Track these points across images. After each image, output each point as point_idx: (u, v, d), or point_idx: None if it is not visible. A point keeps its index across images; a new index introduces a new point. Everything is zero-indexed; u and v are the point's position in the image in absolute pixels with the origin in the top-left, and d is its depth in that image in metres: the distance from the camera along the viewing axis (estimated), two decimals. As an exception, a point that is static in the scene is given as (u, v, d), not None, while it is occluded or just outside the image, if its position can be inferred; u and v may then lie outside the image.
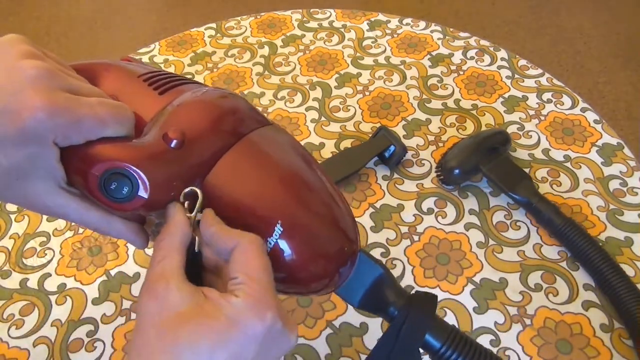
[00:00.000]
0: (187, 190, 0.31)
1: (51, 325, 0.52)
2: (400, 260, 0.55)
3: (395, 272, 0.54)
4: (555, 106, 0.69)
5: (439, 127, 0.68)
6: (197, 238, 0.31)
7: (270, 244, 0.31)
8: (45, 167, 0.29)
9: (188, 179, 0.32)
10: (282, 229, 0.31)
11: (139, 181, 0.29)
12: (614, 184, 0.60)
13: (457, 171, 0.58)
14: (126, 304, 0.53)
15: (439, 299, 0.51)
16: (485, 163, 0.58)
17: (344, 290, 0.36)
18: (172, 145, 0.31)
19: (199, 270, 0.31)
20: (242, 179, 0.33)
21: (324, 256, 0.33)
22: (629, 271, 0.52)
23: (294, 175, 0.34)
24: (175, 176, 0.31)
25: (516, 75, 0.74)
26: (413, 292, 0.52)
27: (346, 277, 0.35)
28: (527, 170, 0.61)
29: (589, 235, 0.52)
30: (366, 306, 0.37)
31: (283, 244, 0.31)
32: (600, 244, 0.54)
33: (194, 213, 0.31)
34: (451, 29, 0.82)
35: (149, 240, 0.34)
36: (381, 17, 0.85)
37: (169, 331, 0.26)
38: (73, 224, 0.60)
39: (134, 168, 0.29)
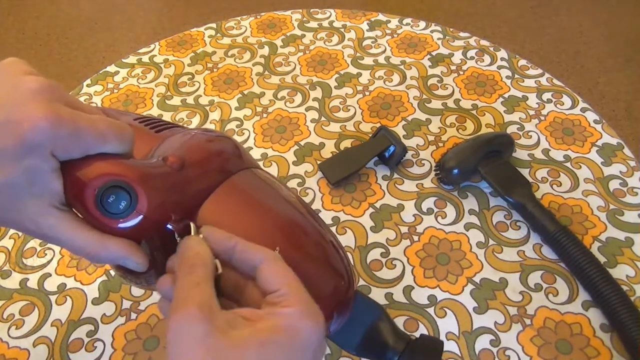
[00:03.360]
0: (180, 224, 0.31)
1: (51, 325, 0.52)
2: (400, 261, 0.55)
3: (395, 272, 0.54)
4: (555, 106, 0.69)
5: (439, 127, 0.68)
6: (217, 261, 0.29)
7: None
8: (41, 181, 0.28)
9: (183, 206, 0.31)
10: None
11: (138, 196, 0.29)
12: (614, 184, 0.60)
13: (455, 171, 0.58)
14: (126, 304, 0.53)
15: (438, 299, 0.52)
16: (484, 165, 0.58)
17: (340, 336, 0.34)
18: (172, 167, 0.31)
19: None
20: (233, 216, 0.32)
21: (318, 297, 0.32)
22: (630, 271, 0.52)
23: (284, 216, 0.34)
24: (171, 199, 0.31)
25: (516, 75, 0.74)
26: (414, 291, 0.52)
27: (342, 320, 0.33)
28: (527, 170, 0.61)
29: (582, 244, 0.52)
30: (364, 352, 0.35)
31: None
32: (600, 245, 0.54)
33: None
34: (451, 29, 0.82)
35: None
36: (381, 17, 0.85)
37: (231, 354, 0.25)
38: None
39: (134, 182, 0.29)
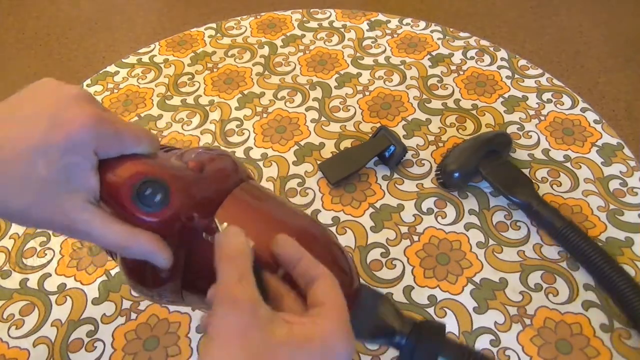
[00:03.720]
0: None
1: (51, 325, 0.52)
2: (400, 261, 0.55)
3: (395, 272, 0.54)
4: (555, 106, 0.69)
5: (439, 127, 0.68)
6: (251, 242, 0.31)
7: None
8: (80, 178, 0.30)
9: (203, 206, 0.33)
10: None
11: (171, 191, 0.31)
12: (614, 184, 0.60)
13: (457, 175, 0.58)
14: (126, 304, 0.53)
15: (438, 299, 0.52)
16: (484, 165, 0.58)
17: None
18: (194, 170, 0.34)
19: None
20: (248, 218, 0.35)
21: None
22: (630, 271, 0.52)
23: (291, 219, 0.36)
24: (196, 197, 0.33)
25: (516, 75, 0.74)
26: (414, 291, 0.52)
27: (351, 313, 0.35)
28: (527, 170, 0.61)
29: (589, 237, 0.52)
30: (375, 338, 0.37)
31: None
32: (600, 245, 0.54)
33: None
34: (451, 29, 0.82)
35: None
36: (381, 17, 0.85)
37: (264, 352, 0.26)
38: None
39: (167, 178, 0.31)
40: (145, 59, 0.82)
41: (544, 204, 0.55)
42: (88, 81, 0.78)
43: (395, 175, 0.63)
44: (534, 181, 0.60)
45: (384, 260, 0.55)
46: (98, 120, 0.30)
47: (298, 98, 0.73)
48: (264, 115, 0.71)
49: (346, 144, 0.66)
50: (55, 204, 0.29)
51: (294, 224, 0.36)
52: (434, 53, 0.78)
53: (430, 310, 0.51)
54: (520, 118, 0.68)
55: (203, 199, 0.33)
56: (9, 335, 0.52)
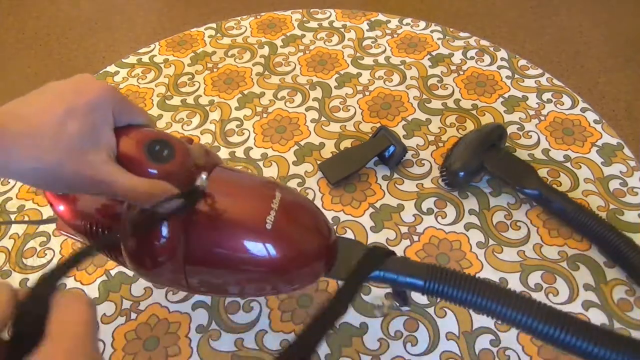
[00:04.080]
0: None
1: (51, 325, 0.52)
2: (400, 260, 0.55)
3: (395, 272, 0.54)
4: (555, 106, 0.69)
5: (439, 127, 0.68)
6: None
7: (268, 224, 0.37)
8: (103, 135, 0.35)
9: (198, 168, 0.39)
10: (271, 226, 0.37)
11: (175, 149, 0.37)
12: (614, 184, 0.60)
13: (462, 173, 0.58)
14: (126, 304, 0.53)
15: (438, 299, 0.52)
16: (488, 160, 0.58)
17: (334, 271, 0.41)
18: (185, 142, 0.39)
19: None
20: (235, 182, 0.41)
21: (312, 249, 0.39)
22: (629, 271, 0.52)
23: (270, 187, 0.40)
24: (193, 158, 0.39)
25: (516, 75, 0.74)
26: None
27: (334, 261, 0.41)
28: (527, 170, 0.62)
29: (601, 218, 0.53)
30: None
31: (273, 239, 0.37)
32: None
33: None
34: (451, 29, 0.82)
35: None
36: (381, 17, 0.85)
37: None
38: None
39: (171, 140, 0.37)
40: (145, 59, 0.82)
41: (552, 190, 0.55)
42: (88, 81, 0.78)
43: (395, 175, 0.63)
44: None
45: (384, 260, 0.55)
46: (112, 89, 0.36)
47: (298, 98, 0.73)
48: (264, 115, 0.71)
49: (346, 144, 0.66)
50: (83, 158, 0.33)
51: (277, 189, 0.40)
52: (434, 53, 0.78)
53: (431, 310, 0.51)
54: (520, 118, 0.68)
55: (197, 164, 0.39)
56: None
